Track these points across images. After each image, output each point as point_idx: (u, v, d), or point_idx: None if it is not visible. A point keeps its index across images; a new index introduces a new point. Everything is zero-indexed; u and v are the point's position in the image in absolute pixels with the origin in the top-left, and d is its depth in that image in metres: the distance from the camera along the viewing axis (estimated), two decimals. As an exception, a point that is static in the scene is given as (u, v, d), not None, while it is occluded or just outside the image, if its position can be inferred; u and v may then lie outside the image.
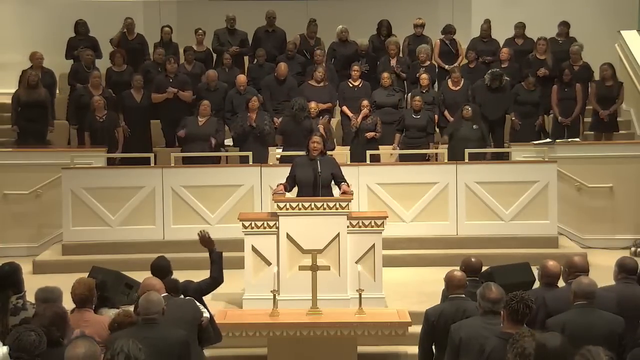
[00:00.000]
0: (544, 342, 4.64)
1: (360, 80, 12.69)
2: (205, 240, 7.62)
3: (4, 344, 4.91)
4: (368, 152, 11.42)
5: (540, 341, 4.65)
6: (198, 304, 6.81)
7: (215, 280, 7.45)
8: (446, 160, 11.31)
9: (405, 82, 13.04)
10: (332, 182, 8.94)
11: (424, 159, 11.78)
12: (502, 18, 13.88)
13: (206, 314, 6.65)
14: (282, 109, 12.28)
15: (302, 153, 9.19)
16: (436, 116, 12.40)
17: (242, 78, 12.41)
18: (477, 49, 13.39)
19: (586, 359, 4.36)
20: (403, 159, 11.73)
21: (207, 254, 9.62)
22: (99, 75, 12.53)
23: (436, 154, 11.94)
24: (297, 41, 13.53)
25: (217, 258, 7.54)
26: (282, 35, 13.82)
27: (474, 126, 11.69)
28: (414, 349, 6.73)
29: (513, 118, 12.36)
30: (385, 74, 12.51)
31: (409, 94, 12.60)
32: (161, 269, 7.10)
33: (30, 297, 6.49)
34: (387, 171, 11.08)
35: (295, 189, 8.97)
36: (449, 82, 12.65)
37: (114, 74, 13.05)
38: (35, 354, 4.79)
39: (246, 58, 13.89)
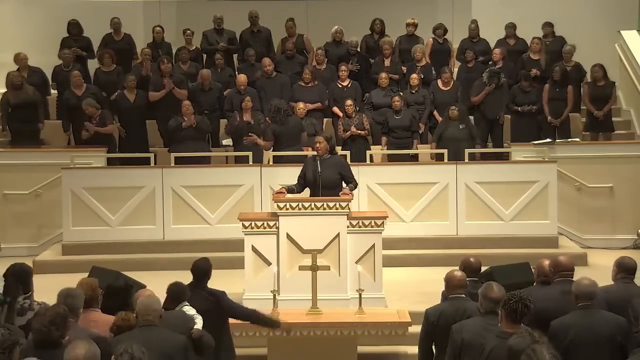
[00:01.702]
0: (511, 344, 4.75)
1: (348, 80, 12.66)
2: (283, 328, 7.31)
3: None
4: (368, 152, 11.43)
5: (508, 344, 4.74)
6: (192, 313, 6.79)
7: (249, 318, 7.15)
8: (447, 160, 11.30)
9: (398, 82, 13.01)
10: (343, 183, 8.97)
11: (413, 158, 11.77)
12: (501, 18, 13.86)
13: (197, 325, 6.62)
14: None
15: (293, 153, 9.19)
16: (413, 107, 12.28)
17: (242, 78, 12.39)
18: (468, 49, 13.34)
19: (530, 358, 4.40)
20: (392, 159, 11.71)
21: (206, 254, 9.57)
22: (79, 74, 12.45)
23: (436, 154, 11.94)
24: (289, 42, 13.43)
25: (270, 324, 7.24)
26: (268, 35, 13.78)
27: (461, 126, 11.70)
28: (414, 349, 6.72)
29: (519, 108, 12.33)
30: (383, 75, 12.50)
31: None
32: (200, 271, 7.11)
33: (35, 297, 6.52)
34: (387, 171, 11.09)
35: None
36: (439, 82, 12.63)
37: (102, 74, 13.03)
38: (4, 347, 4.79)
39: (236, 58, 13.85)
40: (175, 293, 6.93)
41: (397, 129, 11.93)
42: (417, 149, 11.96)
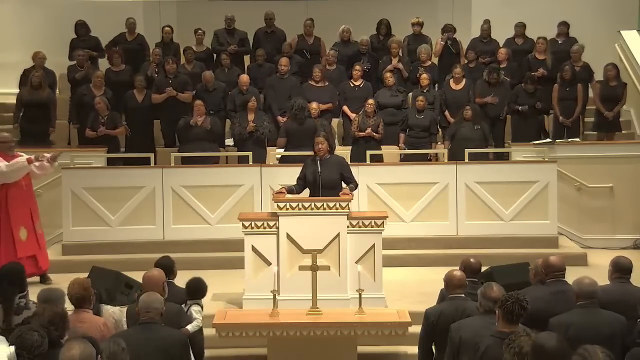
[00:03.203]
0: (542, 342, 4.65)
1: (361, 80, 12.69)
2: None
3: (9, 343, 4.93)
4: (368, 152, 11.42)
5: (538, 342, 4.67)
6: (197, 316, 6.78)
7: None
8: (446, 160, 11.29)
9: (406, 82, 13.02)
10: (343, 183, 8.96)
11: (426, 158, 11.78)
12: (502, 18, 13.87)
13: (190, 327, 6.62)
14: (285, 109, 12.28)
15: (304, 153, 9.20)
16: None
17: (244, 78, 12.41)
18: (476, 49, 13.39)
19: (584, 358, 4.35)
20: (406, 158, 11.73)
21: (206, 254, 9.63)
22: (101, 75, 12.56)
23: (436, 153, 11.94)
24: (294, 41, 13.51)
25: None
26: (282, 36, 13.81)
27: (475, 126, 11.70)
28: (414, 349, 6.73)
29: (519, 108, 12.33)
30: (388, 74, 12.52)
31: (410, 94, 12.61)
32: (164, 268, 7.11)
33: (32, 297, 6.51)
34: (387, 171, 11.09)
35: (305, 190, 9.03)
36: (451, 81, 12.64)
37: (112, 73, 13.06)
38: (35, 354, 4.80)
39: (247, 58, 13.89)
40: (192, 288, 6.95)
41: (416, 128, 11.95)
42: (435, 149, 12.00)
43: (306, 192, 9.04)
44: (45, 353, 4.89)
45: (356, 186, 9.07)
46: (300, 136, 11.22)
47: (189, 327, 6.64)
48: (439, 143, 12.29)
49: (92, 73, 12.61)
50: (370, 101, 11.93)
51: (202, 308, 7.09)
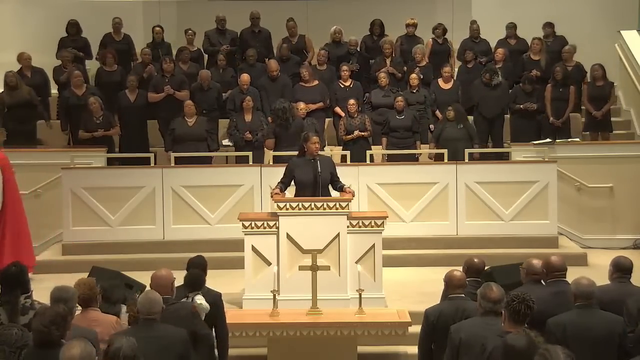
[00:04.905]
0: (512, 343, 4.74)
1: (350, 80, 12.67)
2: None
3: None
4: (368, 152, 11.43)
5: (508, 342, 4.72)
6: (200, 300, 6.77)
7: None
8: (447, 160, 11.30)
9: (399, 82, 13.01)
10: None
11: (414, 159, 11.77)
12: (501, 18, 13.87)
13: (197, 300, 6.63)
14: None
15: (295, 153, 9.17)
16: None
17: (245, 77, 12.37)
18: (471, 49, 13.35)
19: (545, 358, 4.39)
20: (392, 159, 11.71)
21: (206, 254, 9.56)
22: (80, 74, 12.49)
23: (436, 154, 11.94)
24: (279, 45, 13.47)
25: None
26: (267, 36, 13.79)
27: (459, 126, 11.71)
28: (414, 349, 6.72)
29: (521, 106, 12.34)
30: (382, 74, 12.52)
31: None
32: (197, 267, 7.18)
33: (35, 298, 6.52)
34: (387, 171, 11.08)
35: (290, 190, 8.96)
36: (440, 81, 12.64)
37: (105, 73, 13.06)
38: (17, 346, 4.90)
39: (239, 58, 13.87)
40: (190, 280, 6.95)
41: (399, 129, 11.92)
42: (419, 149, 11.97)
43: (290, 193, 8.98)
44: (45, 353, 4.91)
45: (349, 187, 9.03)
46: (287, 137, 11.18)
47: (197, 299, 6.63)
48: (431, 143, 12.29)
49: (72, 73, 12.58)
50: (351, 101, 11.92)
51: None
